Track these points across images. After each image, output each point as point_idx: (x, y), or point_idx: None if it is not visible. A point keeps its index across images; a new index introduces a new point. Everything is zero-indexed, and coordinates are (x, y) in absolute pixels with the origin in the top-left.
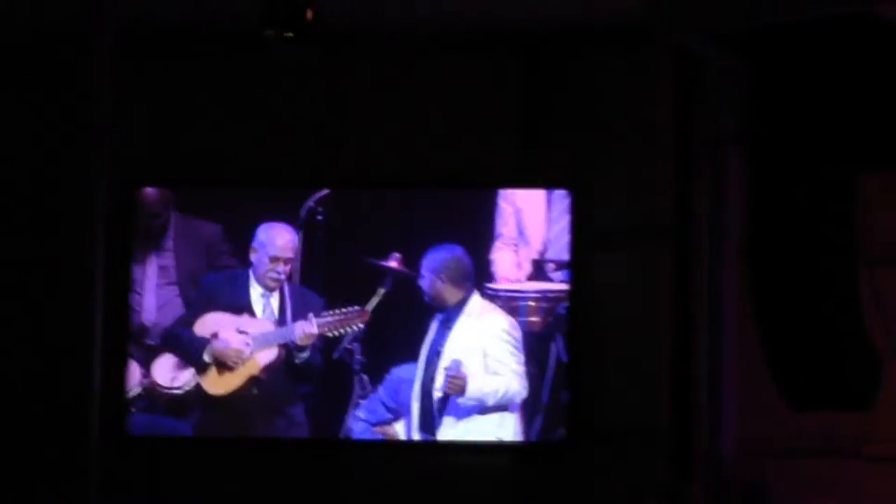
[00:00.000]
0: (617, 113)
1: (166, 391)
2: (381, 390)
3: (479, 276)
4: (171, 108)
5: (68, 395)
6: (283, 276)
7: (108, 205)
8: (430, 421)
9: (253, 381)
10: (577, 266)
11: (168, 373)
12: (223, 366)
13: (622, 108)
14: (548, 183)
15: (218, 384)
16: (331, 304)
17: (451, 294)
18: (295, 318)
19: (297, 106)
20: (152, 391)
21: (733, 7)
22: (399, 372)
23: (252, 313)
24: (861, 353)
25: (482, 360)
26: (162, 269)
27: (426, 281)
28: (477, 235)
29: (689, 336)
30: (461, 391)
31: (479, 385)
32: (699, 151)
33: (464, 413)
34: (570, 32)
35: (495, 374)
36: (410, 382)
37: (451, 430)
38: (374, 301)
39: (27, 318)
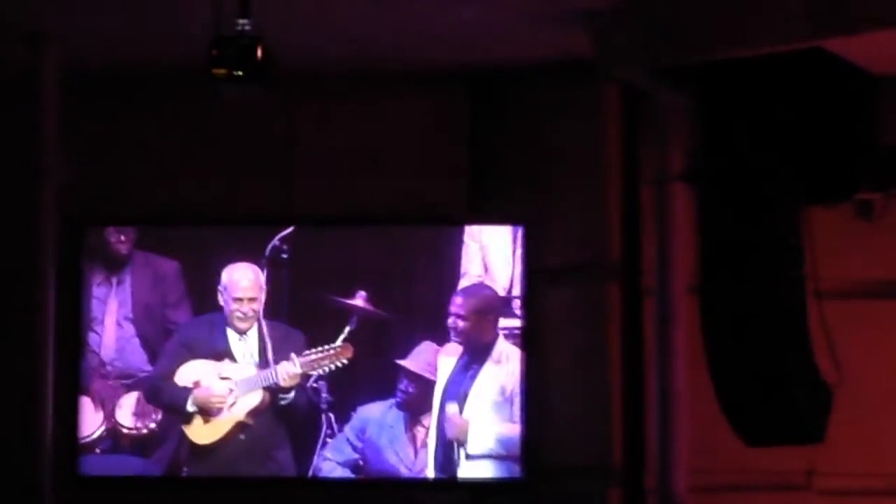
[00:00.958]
0: (564, 150)
1: (129, 431)
2: (347, 429)
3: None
4: (121, 147)
5: (20, 438)
6: (250, 315)
7: (59, 245)
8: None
9: (239, 426)
10: (529, 302)
11: (132, 412)
12: (208, 413)
13: (569, 145)
14: (498, 219)
15: (203, 433)
16: (311, 338)
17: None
18: (276, 357)
19: (246, 145)
20: (115, 431)
21: (678, 43)
22: (365, 411)
23: (232, 357)
24: (811, 386)
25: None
26: (121, 305)
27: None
28: (444, 272)
29: (640, 372)
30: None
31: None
32: (646, 188)
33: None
34: (516, 70)
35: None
36: (377, 422)
37: None
38: (340, 338)
39: None
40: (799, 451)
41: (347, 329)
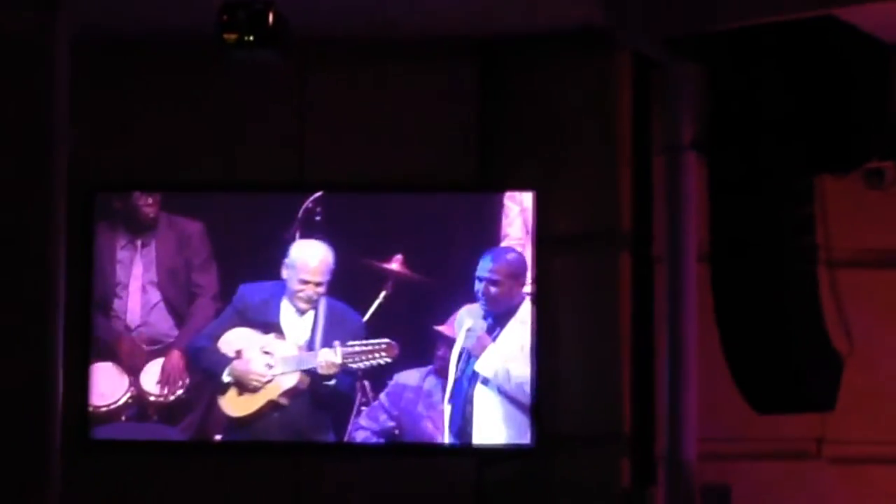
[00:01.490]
0: (575, 119)
1: (156, 398)
2: (382, 397)
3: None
4: (131, 114)
5: (31, 402)
6: (314, 298)
7: (70, 211)
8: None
9: (272, 405)
10: (539, 270)
11: (158, 379)
12: (243, 387)
13: (581, 114)
14: (509, 186)
15: (237, 405)
16: (368, 326)
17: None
18: (327, 340)
19: (256, 112)
20: (141, 399)
21: (690, 12)
22: (401, 378)
23: (280, 333)
24: (822, 355)
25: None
26: (146, 269)
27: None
28: (483, 237)
29: (650, 341)
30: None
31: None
32: (657, 157)
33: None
34: (528, 38)
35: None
36: (413, 389)
37: None
38: (375, 304)
39: None
40: (809, 419)
41: (383, 294)
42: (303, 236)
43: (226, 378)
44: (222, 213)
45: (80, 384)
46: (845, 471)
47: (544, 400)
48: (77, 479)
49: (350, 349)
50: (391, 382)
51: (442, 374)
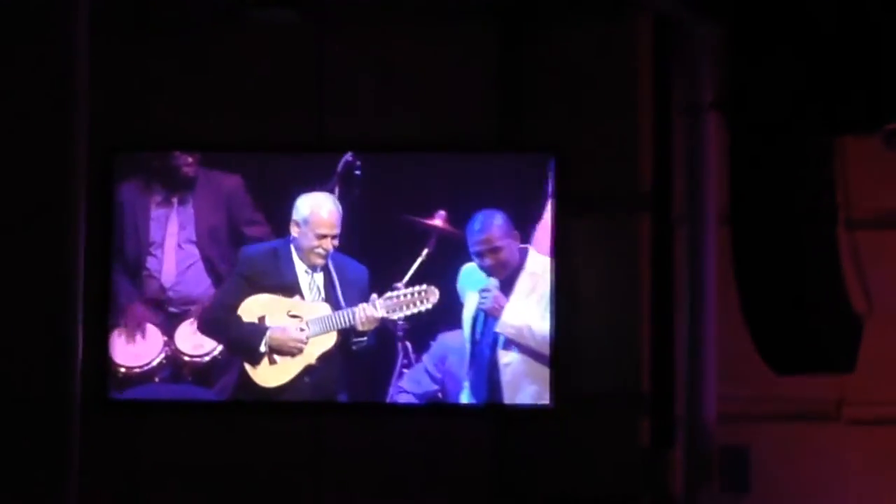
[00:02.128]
0: (596, 80)
1: (191, 359)
2: (425, 359)
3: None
4: (151, 73)
5: (50, 361)
6: (331, 251)
7: (91, 171)
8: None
9: (309, 370)
10: (558, 231)
11: (192, 340)
12: (279, 355)
13: (601, 76)
14: (530, 149)
15: (270, 376)
16: (375, 275)
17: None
18: (346, 295)
19: (275, 73)
20: (175, 359)
21: None
22: (445, 339)
23: (300, 293)
24: (841, 316)
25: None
26: (182, 227)
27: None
28: (528, 196)
29: (670, 301)
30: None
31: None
32: (678, 118)
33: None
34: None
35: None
36: (458, 351)
37: None
38: (417, 262)
39: (6, 285)
40: (829, 380)
41: (425, 252)
42: (341, 193)
43: (262, 348)
44: (257, 169)
45: (100, 344)
46: (865, 432)
47: (564, 360)
48: (98, 440)
49: (389, 300)
50: (434, 344)
51: None
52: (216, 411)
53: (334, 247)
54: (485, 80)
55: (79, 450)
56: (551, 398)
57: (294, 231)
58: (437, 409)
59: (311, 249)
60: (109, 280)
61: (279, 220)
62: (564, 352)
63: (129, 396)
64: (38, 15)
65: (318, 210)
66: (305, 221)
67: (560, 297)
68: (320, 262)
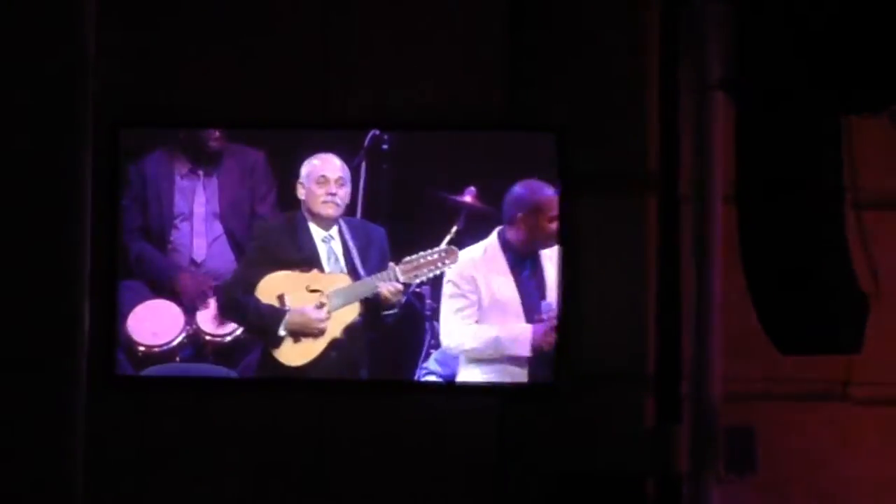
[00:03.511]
0: (603, 57)
1: (213, 338)
2: None
3: None
4: (161, 46)
5: (55, 336)
6: (339, 202)
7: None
8: None
9: (334, 344)
10: (564, 209)
11: (214, 317)
12: (303, 336)
13: (608, 52)
14: (532, 126)
15: (295, 354)
16: (402, 233)
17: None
18: (364, 261)
19: (281, 45)
20: (197, 338)
21: None
22: None
23: (320, 266)
24: (848, 296)
25: None
26: (208, 200)
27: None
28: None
29: (676, 280)
30: None
31: None
32: (685, 97)
33: None
34: None
35: None
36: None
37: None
38: (446, 240)
39: (14, 256)
40: (835, 360)
41: (454, 229)
42: (369, 168)
43: (281, 332)
44: (279, 144)
45: (108, 320)
46: (871, 412)
47: (568, 338)
48: (105, 416)
49: (407, 266)
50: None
51: None
52: (231, 389)
53: (341, 198)
54: (491, 57)
55: (85, 427)
56: (555, 376)
57: (300, 193)
58: (441, 387)
59: (317, 199)
60: (117, 251)
61: (293, 196)
62: (569, 329)
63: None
64: None
65: (314, 161)
66: (307, 176)
67: (565, 275)
68: (331, 211)
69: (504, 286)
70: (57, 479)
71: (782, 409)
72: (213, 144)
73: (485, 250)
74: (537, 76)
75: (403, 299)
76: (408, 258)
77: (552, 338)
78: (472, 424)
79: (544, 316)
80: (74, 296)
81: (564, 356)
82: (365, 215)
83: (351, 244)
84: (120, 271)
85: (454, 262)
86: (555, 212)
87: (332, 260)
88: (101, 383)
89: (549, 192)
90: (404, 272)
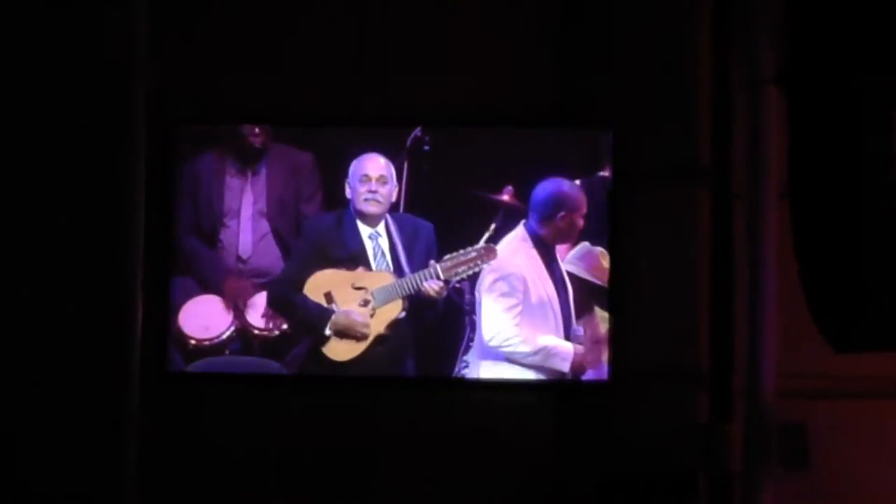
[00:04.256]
0: (655, 52)
1: (261, 332)
2: None
3: None
4: (210, 46)
5: (109, 333)
6: (380, 199)
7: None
8: None
9: (379, 339)
10: (616, 207)
11: (262, 313)
12: (349, 336)
13: (660, 47)
14: (587, 123)
15: (341, 350)
16: (442, 231)
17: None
18: (410, 257)
19: (335, 42)
20: (245, 332)
21: None
22: None
23: (367, 263)
24: None
25: None
26: (256, 198)
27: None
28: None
29: (729, 277)
30: None
31: None
32: (738, 92)
33: None
34: None
35: None
36: None
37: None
38: (484, 237)
39: (69, 254)
40: (890, 357)
41: (493, 227)
42: (410, 168)
43: (327, 331)
44: (326, 145)
45: (161, 316)
46: None
47: (622, 336)
48: (158, 411)
49: (448, 263)
50: (580, 327)
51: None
52: (278, 384)
53: (383, 195)
54: (542, 54)
55: (137, 422)
56: (609, 374)
57: (347, 191)
58: (494, 385)
59: (359, 196)
60: (170, 249)
61: (340, 195)
62: (621, 326)
63: (199, 370)
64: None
65: (361, 160)
66: (353, 174)
67: (617, 271)
68: (373, 209)
69: (545, 289)
70: (110, 473)
71: (836, 406)
72: (256, 141)
73: (524, 249)
74: (588, 72)
75: (445, 295)
76: (448, 256)
77: (588, 361)
78: (524, 421)
79: (580, 337)
80: (128, 293)
81: (618, 353)
82: (407, 212)
83: (397, 239)
84: (172, 268)
85: (493, 259)
86: (585, 210)
87: (379, 256)
88: (154, 379)
89: (579, 191)
90: (445, 270)
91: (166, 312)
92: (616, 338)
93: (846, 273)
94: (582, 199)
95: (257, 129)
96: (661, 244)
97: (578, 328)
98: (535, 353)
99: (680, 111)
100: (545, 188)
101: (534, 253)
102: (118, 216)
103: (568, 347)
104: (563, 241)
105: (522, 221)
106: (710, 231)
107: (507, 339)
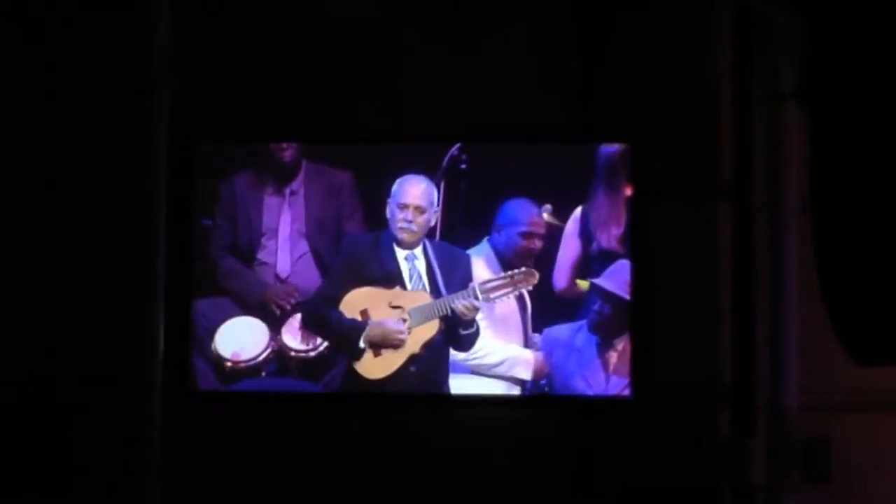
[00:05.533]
0: (675, 67)
1: (297, 354)
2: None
3: None
4: (232, 62)
5: (132, 352)
6: (415, 229)
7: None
8: None
9: (412, 359)
10: (635, 221)
11: (300, 334)
12: (383, 349)
13: (680, 62)
14: (604, 137)
15: (375, 367)
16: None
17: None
18: (447, 282)
19: (351, 61)
20: (282, 353)
21: None
22: (552, 333)
23: (402, 283)
24: None
25: None
26: (294, 218)
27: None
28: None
29: (750, 291)
30: None
31: None
32: (759, 106)
33: None
34: None
35: None
36: (564, 345)
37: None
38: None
39: (91, 272)
40: None
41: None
42: (447, 185)
43: (362, 344)
44: (363, 165)
45: (182, 334)
46: None
47: (644, 351)
48: (181, 429)
49: (488, 286)
50: (539, 338)
51: (595, 329)
52: (308, 403)
53: (419, 224)
54: (560, 69)
55: (161, 442)
56: (631, 389)
57: (388, 212)
58: (518, 400)
59: (396, 223)
60: (192, 266)
61: (380, 216)
62: (643, 342)
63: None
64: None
65: (403, 183)
66: (393, 197)
67: (639, 286)
68: (407, 238)
69: (508, 302)
70: (134, 491)
71: (858, 419)
72: (287, 158)
73: (489, 265)
74: (609, 87)
75: (475, 316)
76: (488, 278)
77: (546, 369)
78: (547, 437)
79: (537, 345)
80: (150, 312)
81: (639, 367)
82: (444, 234)
83: (435, 264)
84: (202, 287)
85: (534, 282)
86: (543, 232)
87: (416, 278)
88: (176, 397)
89: (538, 214)
90: (483, 291)
91: (187, 331)
92: (638, 353)
93: (867, 286)
94: (540, 222)
95: (285, 145)
96: (683, 259)
97: (535, 335)
98: (499, 363)
99: (701, 126)
100: (508, 209)
101: (498, 269)
102: (140, 232)
103: (529, 355)
104: (521, 261)
105: (487, 238)
106: (732, 245)
107: (474, 353)
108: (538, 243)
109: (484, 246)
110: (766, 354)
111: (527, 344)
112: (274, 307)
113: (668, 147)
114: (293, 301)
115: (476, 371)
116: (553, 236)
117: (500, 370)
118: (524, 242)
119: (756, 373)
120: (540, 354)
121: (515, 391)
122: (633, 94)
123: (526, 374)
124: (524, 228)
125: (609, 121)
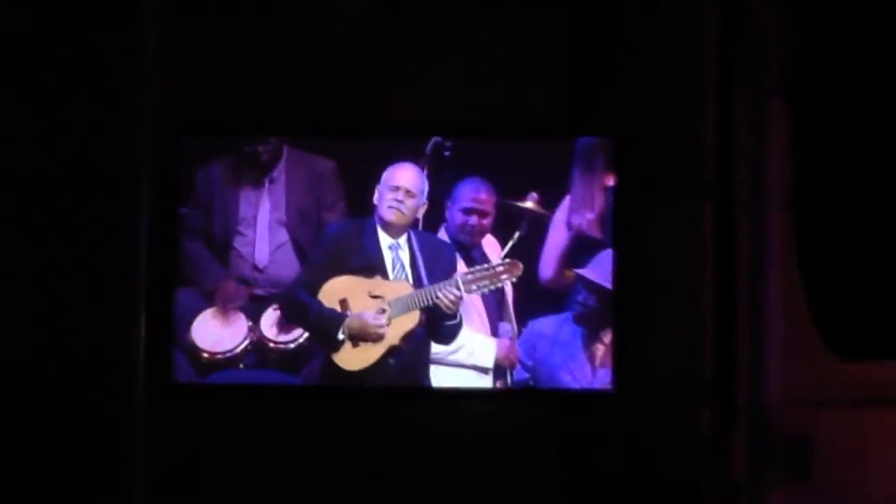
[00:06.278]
0: (660, 63)
1: (276, 345)
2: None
3: None
4: (222, 54)
5: (113, 344)
6: (405, 210)
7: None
8: None
9: (392, 351)
10: (619, 217)
11: (278, 325)
12: (362, 340)
13: (665, 58)
14: (590, 132)
15: (353, 359)
16: (463, 253)
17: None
18: (430, 274)
19: (345, 56)
20: (261, 345)
21: None
22: (536, 326)
23: (384, 273)
24: None
25: None
26: (274, 207)
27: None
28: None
29: (733, 287)
30: None
31: None
32: (742, 104)
33: None
34: None
35: None
36: (549, 338)
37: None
38: (509, 245)
39: (72, 261)
40: (893, 366)
41: (517, 235)
42: (430, 173)
43: (340, 336)
44: (347, 154)
45: (164, 329)
46: None
47: (625, 346)
48: (164, 424)
49: (471, 276)
50: (524, 330)
51: (580, 321)
52: (286, 395)
53: (409, 208)
54: (547, 64)
55: (144, 435)
56: (613, 383)
57: (375, 197)
58: (501, 393)
59: (384, 203)
60: (176, 259)
61: (363, 204)
62: (624, 337)
63: (213, 381)
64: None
65: (394, 169)
66: (384, 181)
67: (621, 283)
68: (396, 219)
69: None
70: (116, 484)
71: (840, 415)
72: (266, 151)
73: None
74: (596, 83)
75: (457, 309)
76: (471, 269)
77: (514, 356)
78: (526, 431)
79: (508, 333)
80: (131, 303)
81: (620, 362)
82: (426, 222)
83: (419, 255)
84: (178, 278)
85: (518, 274)
86: (492, 211)
87: (398, 268)
88: (158, 390)
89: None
90: (466, 283)
91: (170, 322)
92: (620, 348)
93: (850, 282)
94: (486, 199)
95: (275, 139)
96: (666, 255)
97: (505, 324)
98: (455, 351)
99: (684, 123)
100: (454, 190)
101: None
102: (121, 224)
103: (490, 343)
104: (468, 238)
105: (444, 224)
106: (714, 241)
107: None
108: (482, 220)
109: (441, 234)
110: (747, 350)
111: (495, 332)
112: (220, 303)
113: (651, 144)
114: (241, 303)
115: (434, 361)
116: (539, 226)
117: (457, 357)
118: (464, 218)
119: (738, 369)
120: (505, 341)
121: (485, 381)
122: (619, 91)
123: (488, 363)
124: (466, 205)
125: (594, 116)
